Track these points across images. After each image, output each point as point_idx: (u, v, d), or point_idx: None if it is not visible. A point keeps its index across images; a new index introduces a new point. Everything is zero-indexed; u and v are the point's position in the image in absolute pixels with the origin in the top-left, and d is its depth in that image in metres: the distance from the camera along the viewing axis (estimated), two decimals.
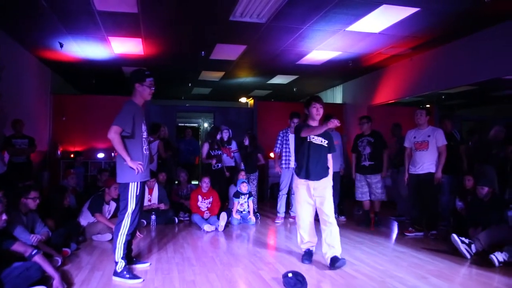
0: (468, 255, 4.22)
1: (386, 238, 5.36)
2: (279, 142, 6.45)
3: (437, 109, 8.17)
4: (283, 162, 6.40)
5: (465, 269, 3.92)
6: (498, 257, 3.89)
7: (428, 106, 7.73)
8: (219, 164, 6.90)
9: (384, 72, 8.93)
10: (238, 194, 6.34)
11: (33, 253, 3.15)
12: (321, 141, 4.05)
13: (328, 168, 4.11)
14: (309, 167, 4.01)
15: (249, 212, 6.37)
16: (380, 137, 6.14)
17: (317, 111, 4.07)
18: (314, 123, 4.12)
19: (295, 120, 6.32)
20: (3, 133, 6.46)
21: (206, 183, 6.20)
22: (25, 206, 4.00)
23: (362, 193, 6.14)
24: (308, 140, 4.02)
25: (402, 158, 5.96)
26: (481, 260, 4.07)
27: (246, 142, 7.26)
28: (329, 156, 4.16)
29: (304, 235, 4.15)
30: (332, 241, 3.90)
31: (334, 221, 3.95)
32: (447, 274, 3.73)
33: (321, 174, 4.03)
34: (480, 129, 6.07)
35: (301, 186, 4.09)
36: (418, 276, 3.63)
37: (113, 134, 3.45)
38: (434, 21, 5.89)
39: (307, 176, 4.03)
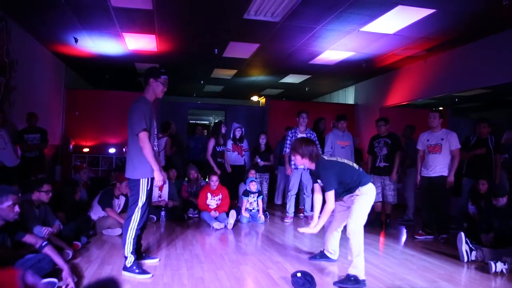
0: (465, 259, 4.19)
1: (396, 241, 5.32)
2: (288, 142, 6.36)
3: (450, 112, 8.09)
4: (292, 162, 6.36)
5: (476, 275, 3.86)
6: (498, 266, 3.83)
7: (441, 108, 7.64)
8: (221, 159, 6.89)
9: (398, 73, 8.86)
10: (247, 193, 6.34)
11: (43, 244, 3.18)
12: None
13: None
14: None
15: (258, 210, 6.36)
16: (397, 139, 6.09)
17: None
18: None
19: (304, 115, 6.32)
20: (16, 126, 6.53)
21: (214, 182, 6.18)
22: (37, 199, 4.05)
23: (376, 194, 6.05)
24: None
25: (410, 160, 5.91)
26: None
27: (263, 143, 7.35)
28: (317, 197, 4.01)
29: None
30: (350, 252, 3.61)
31: (350, 237, 3.52)
32: (457, 279, 3.68)
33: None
34: (494, 132, 5.85)
35: None
36: (428, 280, 3.60)
37: (146, 142, 3.46)
38: (450, 23, 5.82)
39: None
